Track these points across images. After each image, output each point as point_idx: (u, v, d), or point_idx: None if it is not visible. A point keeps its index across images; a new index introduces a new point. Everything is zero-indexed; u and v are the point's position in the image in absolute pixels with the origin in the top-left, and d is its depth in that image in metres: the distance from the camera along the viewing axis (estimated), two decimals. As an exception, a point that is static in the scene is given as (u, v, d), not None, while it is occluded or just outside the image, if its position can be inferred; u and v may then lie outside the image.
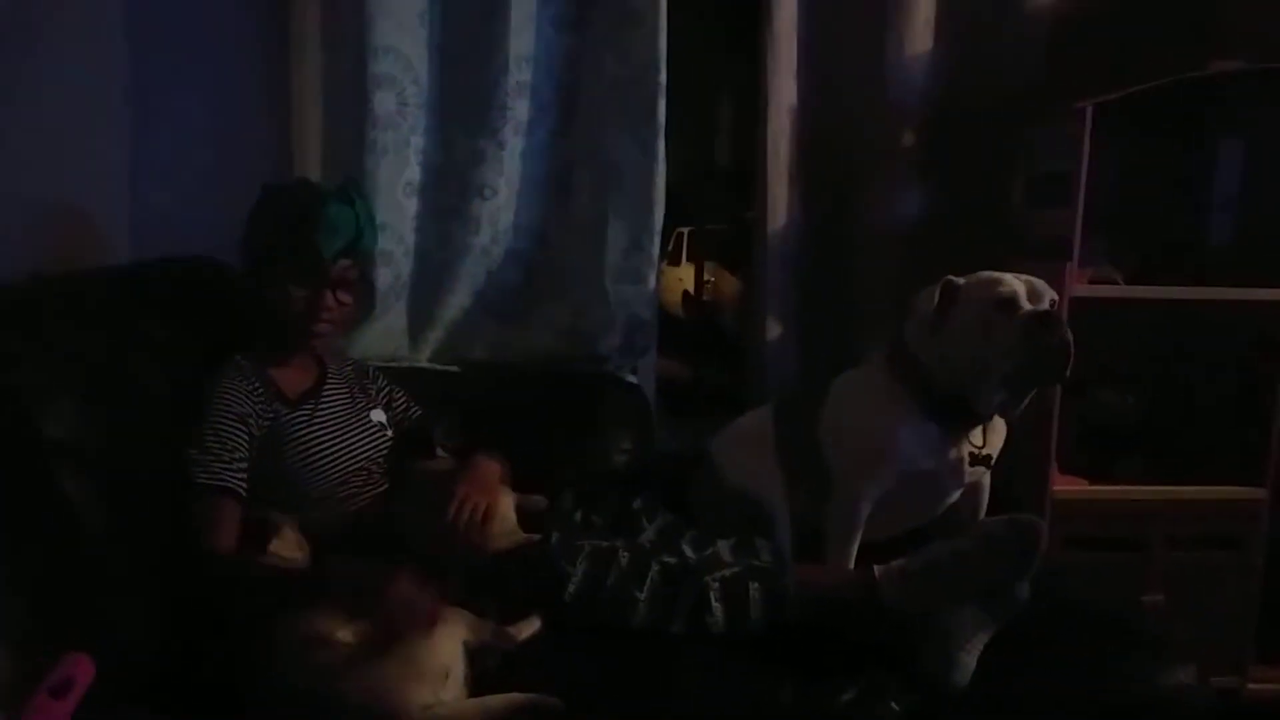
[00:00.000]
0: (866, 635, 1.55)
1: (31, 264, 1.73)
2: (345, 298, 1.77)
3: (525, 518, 1.73)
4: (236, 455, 1.61)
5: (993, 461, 1.77)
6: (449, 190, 2.24)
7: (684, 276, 4.43)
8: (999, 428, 1.80)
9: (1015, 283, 1.66)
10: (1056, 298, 1.66)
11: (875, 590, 1.56)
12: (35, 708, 1.12)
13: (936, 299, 1.69)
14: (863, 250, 2.40)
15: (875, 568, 1.59)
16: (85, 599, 1.38)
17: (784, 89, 2.34)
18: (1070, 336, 1.60)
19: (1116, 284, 2.18)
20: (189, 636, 1.44)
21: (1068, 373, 1.63)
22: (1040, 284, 1.67)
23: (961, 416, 1.72)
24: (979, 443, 1.74)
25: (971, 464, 1.74)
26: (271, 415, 1.68)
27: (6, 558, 1.27)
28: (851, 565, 1.76)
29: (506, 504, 1.70)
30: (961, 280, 1.70)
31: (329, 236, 1.68)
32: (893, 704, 1.45)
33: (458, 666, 1.38)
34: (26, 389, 1.39)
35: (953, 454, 1.73)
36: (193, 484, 1.56)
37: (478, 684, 1.40)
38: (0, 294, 1.50)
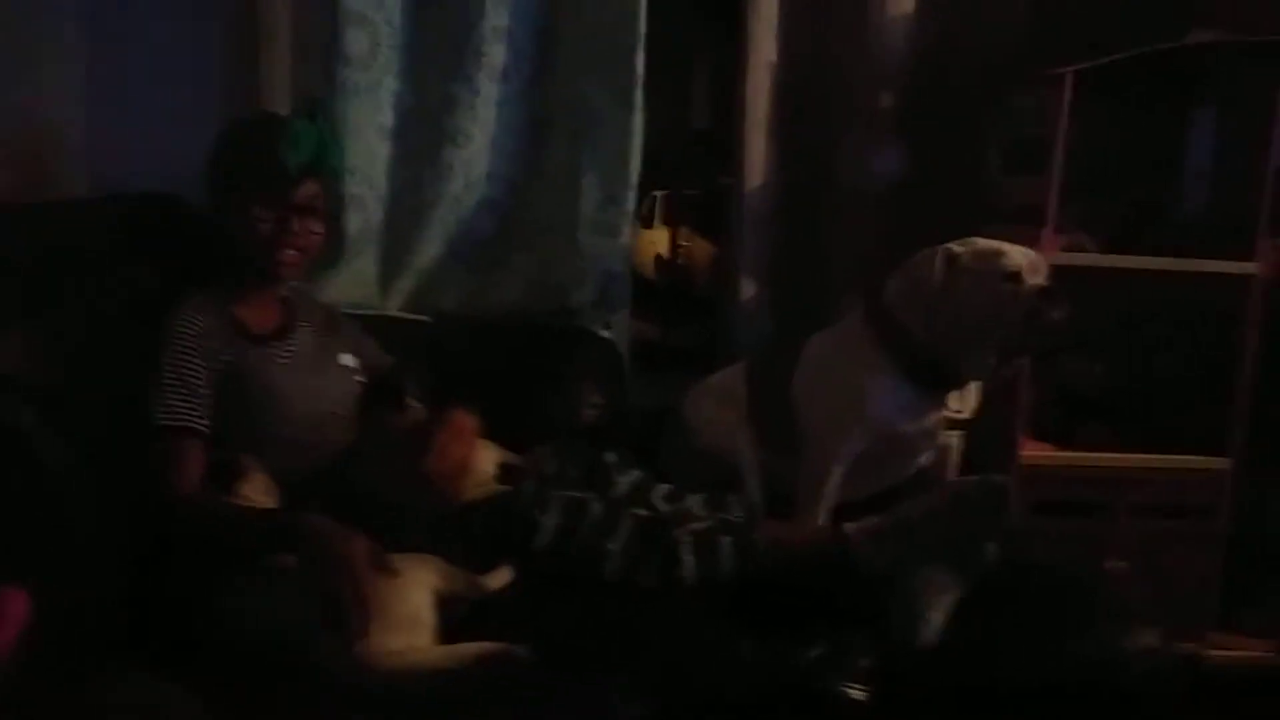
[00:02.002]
0: (835, 592, 1.56)
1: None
2: (313, 225, 1.72)
3: (504, 471, 1.71)
4: (198, 394, 1.57)
5: (969, 426, 1.78)
6: (422, 135, 2.19)
7: (657, 240, 4.40)
8: (973, 392, 1.80)
9: (1017, 255, 1.67)
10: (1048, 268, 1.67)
11: (846, 548, 1.56)
12: None
13: (939, 267, 1.68)
14: (838, 211, 2.38)
15: (846, 526, 1.59)
16: (44, 538, 1.35)
17: (763, 46, 2.31)
18: (1071, 310, 1.63)
19: (1089, 252, 2.18)
20: (150, 581, 1.41)
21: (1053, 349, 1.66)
22: (1035, 255, 1.70)
23: (940, 380, 1.73)
24: (957, 407, 1.75)
25: (948, 427, 1.74)
26: (233, 352, 1.64)
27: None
28: (823, 524, 1.76)
29: (483, 455, 1.68)
30: (960, 248, 1.69)
31: (291, 148, 1.63)
32: (860, 660, 1.45)
33: (427, 614, 1.37)
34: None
35: (929, 417, 1.74)
36: (153, 424, 1.52)
37: (447, 633, 1.38)
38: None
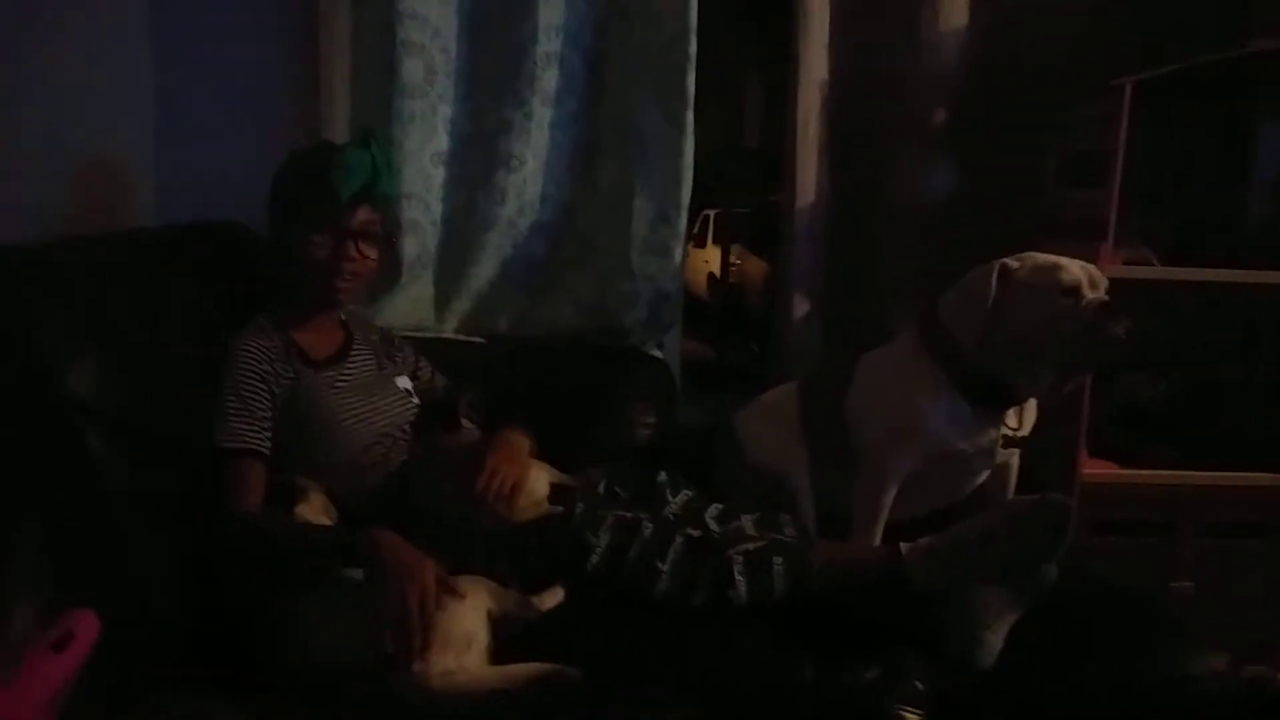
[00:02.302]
0: (891, 614, 1.54)
1: (58, 225, 1.74)
2: (368, 251, 1.75)
3: (556, 492, 1.72)
4: (259, 416, 1.61)
5: (1027, 444, 1.75)
6: (476, 160, 2.24)
7: (709, 259, 4.42)
8: (1031, 409, 1.77)
9: (1075, 269, 1.64)
10: (1108, 283, 1.64)
11: (901, 568, 1.54)
12: (34, 661, 1.10)
13: (994, 283, 1.66)
14: (891, 228, 2.37)
15: (902, 545, 1.57)
16: (108, 561, 1.38)
17: (815, 63, 2.32)
18: (1132, 325, 1.60)
19: (1151, 265, 2.14)
20: (212, 602, 1.45)
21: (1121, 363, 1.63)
22: (1094, 270, 1.66)
23: (996, 398, 1.70)
24: (1014, 424, 1.72)
25: (1005, 445, 1.71)
26: (293, 376, 1.68)
27: (30, 518, 1.27)
28: (877, 543, 1.74)
29: (536, 477, 1.70)
30: (1016, 263, 1.67)
31: (345, 177, 1.67)
32: (916, 683, 1.43)
33: (480, 635, 1.38)
34: (50, 349, 1.40)
35: (986, 435, 1.71)
36: (216, 446, 1.56)
37: (500, 653, 1.39)
38: (26, 254, 1.49)
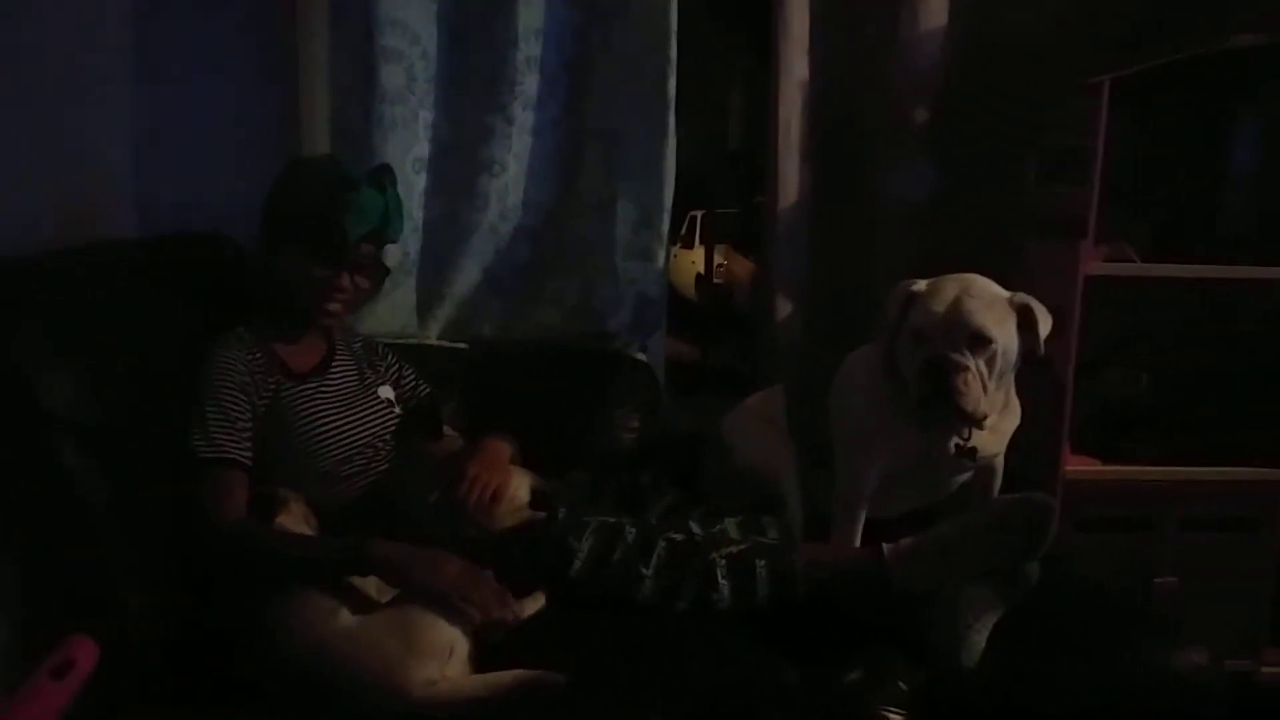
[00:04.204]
0: (874, 614, 1.54)
1: (35, 238, 1.73)
2: (362, 281, 1.74)
3: (539, 497, 1.72)
4: (239, 426, 1.59)
5: (978, 454, 1.69)
6: (457, 166, 2.23)
7: (696, 259, 4.41)
8: (1013, 410, 1.76)
9: (939, 311, 1.59)
10: (989, 336, 1.57)
11: (883, 568, 1.55)
12: (35, 689, 1.11)
13: (898, 302, 1.66)
14: (874, 228, 2.37)
15: (884, 546, 1.58)
16: (87, 575, 1.38)
17: (796, 65, 2.31)
18: (965, 387, 1.56)
19: (1131, 262, 2.15)
20: (193, 614, 1.45)
21: (965, 419, 1.61)
22: (974, 311, 1.57)
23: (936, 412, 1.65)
24: (960, 439, 1.68)
25: (957, 455, 1.69)
26: (274, 387, 1.67)
27: (7, 532, 1.27)
28: (857, 543, 1.74)
29: (517, 483, 1.70)
30: (923, 286, 1.65)
31: (356, 220, 1.66)
32: (900, 683, 1.44)
33: (462, 643, 1.38)
34: (26, 362, 1.39)
35: (944, 444, 1.70)
36: (196, 457, 1.55)
37: (482, 660, 1.39)
38: (2, 267, 1.49)
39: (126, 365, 1.55)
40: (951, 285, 1.62)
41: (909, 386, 1.64)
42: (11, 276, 1.48)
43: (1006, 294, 1.63)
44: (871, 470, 1.74)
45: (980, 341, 1.57)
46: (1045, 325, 1.62)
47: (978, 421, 1.63)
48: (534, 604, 1.50)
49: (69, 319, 1.49)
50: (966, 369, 1.57)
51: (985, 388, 1.59)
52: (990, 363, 1.59)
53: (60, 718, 1.11)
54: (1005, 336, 1.59)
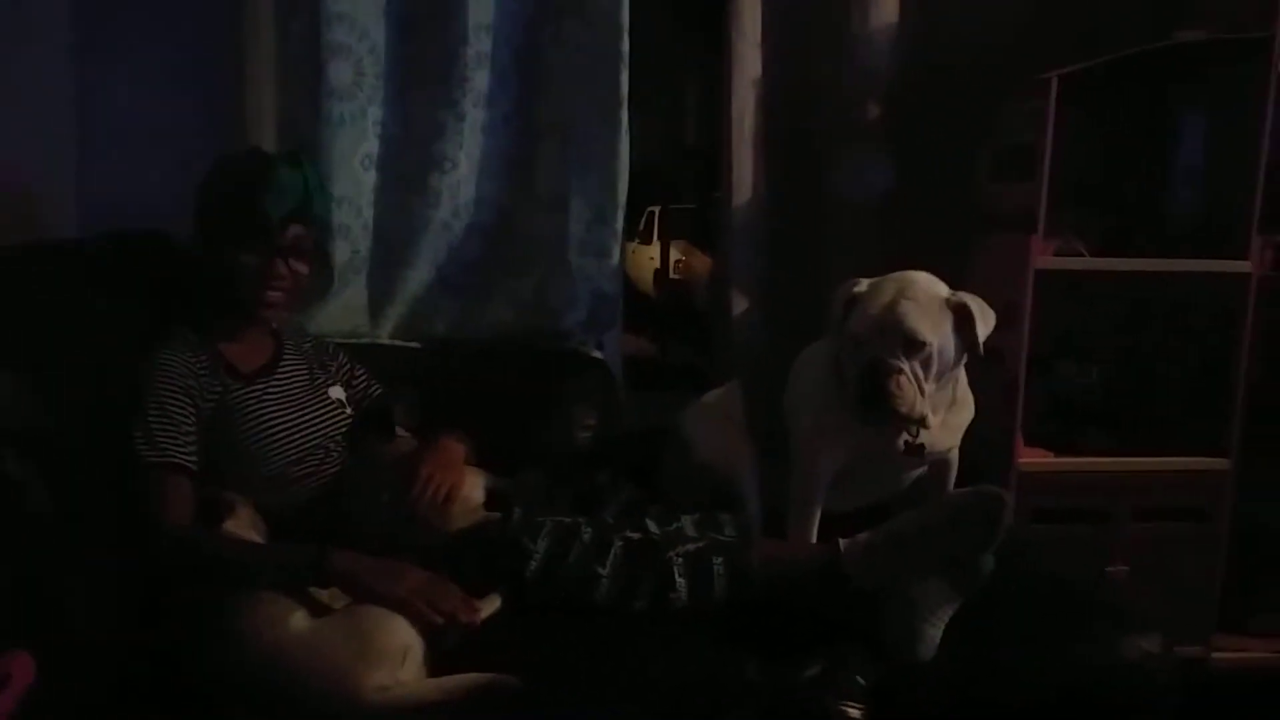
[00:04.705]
0: (831, 609, 1.54)
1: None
2: (299, 266, 1.72)
3: (494, 498, 1.70)
4: (183, 430, 1.56)
5: (928, 450, 1.71)
6: (408, 163, 2.20)
7: (655, 255, 4.41)
8: (965, 404, 1.77)
9: (873, 313, 1.61)
10: (922, 340, 1.58)
11: (839, 563, 1.54)
12: None
13: (841, 300, 1.68)
14: (830, 223, 2.38)
15: (839, 541, 1.58)
16: (29, 585, 1.33)
17: (748, 61, 2.32)
18: (900, 390, 1.58)
19: (1081, 256, 2.17)
20: (140, 621, 1.41)
21: (902, 420, 1.62)
22: (907, 315, 1.58)
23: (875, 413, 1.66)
24: (908, 436, 1.70)
25: (905, 453, 1.70)
26: (220, 389, 1.64)
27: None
28: (813, 537, 1.75)
29: (471, 484, 1.68)
30: (863, 286, 1.67)
31: (276, 198, 1.64)
32: (858, 678, 1.43)
33: (416, 646, 1.36)
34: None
35: (892, 441, 1.71)
36: (139, 462, 1.51)
37: (436, 663, 1.37)
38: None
39: (67, 368, 1.51)
40: (890, 287, 1.63)
41: (849, 387, 1.65)
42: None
43: (945, 293, 1.64)
44: (824, 466, 1.75)
45: (914, 345, 1.59)
46: (984, 324, 1.63)
47: (915, 422, 1.65)
48: (490, 606, 1.48)
49: (7, 321, 1.45)
50: (900, 372, 1.59)
51: (922, 389, 1.61)
52: (926, 364, 1.61)
53: None
54: (940, 338, 1.61)
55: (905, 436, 1.69)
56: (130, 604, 1.41)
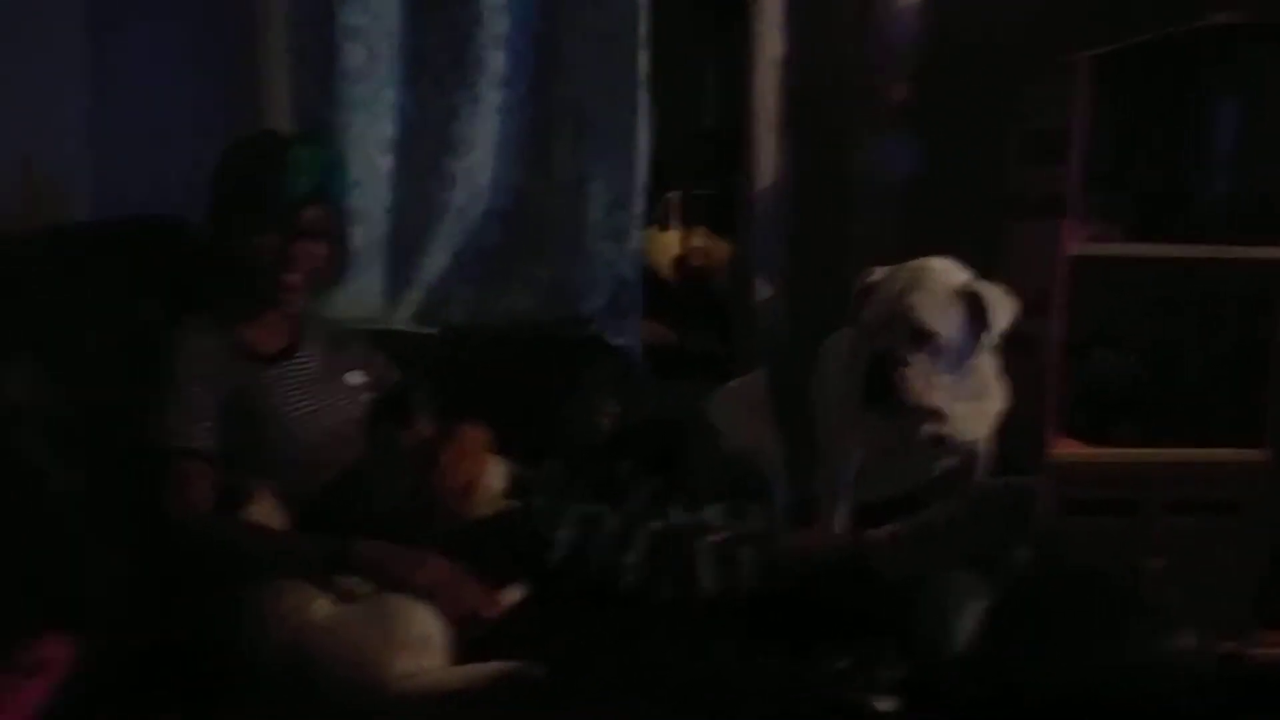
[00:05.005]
0: (859, 601, 1.51)
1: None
2: (317, 248, 1.69)
3: (514, 486, 1.68)
4: (202, 416, 1.55)
5: (957, 440, 1.67)
6: (424, 147, 2.19)
7: (673, 241, 4.36)
8: (996, 393, 1.73)
9: (885, 304, 1.58)
10: (930, 330, 1.55)
11: (866, 555, 1.51)
12: (6, 688, 1.11)
13: (861, 289, 1.64)
14: (852, 208, 2.34)
15: (868, 532, 1.55)
16: (54, 571, 1.33)
17: (769, 42, 2.28)
18: (908, 381, 1.55)
19: (1113, 242, 2.12)
20: (166, 609, 1.40)
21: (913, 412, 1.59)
22: (916, 306, 1.55)
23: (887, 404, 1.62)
24: (934, 428, 1.65)
25: (929, 444, 1.66)
26: (238, 374, 1.62)
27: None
28: (841, 529, 1.72)
29: (491, 472, 1.65)
30: (879, 275, 1.64)
31: (293, 178, 1.62)
32: (888, 671, 1.40)
33: (440, 634, 1.35)
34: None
35: (915, 431, 1.67)
36: (159, 448, 1.50)
37: (460, 652, 1.36)
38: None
39: (87, 353, 1.51)
40: (902, 276, 1.60)
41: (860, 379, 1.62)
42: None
43: (960, 282, 1.60)
44: (849, 456, 1.71)
45: (923, 335, 1.55)
46: (1000, 313, 1.59)
47: (929, 413, 1.61)
48: (512, 596, 1.45)
49: (25, 306, 1.44)
50: (907, 364, 1.55)
51: (932, 380, 1.57)
52: (936, 355, 1.57)
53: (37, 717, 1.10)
54: (951, 328, 1.57)
55: (929, 427, 1.65)
56: (151, 591, 1.39)
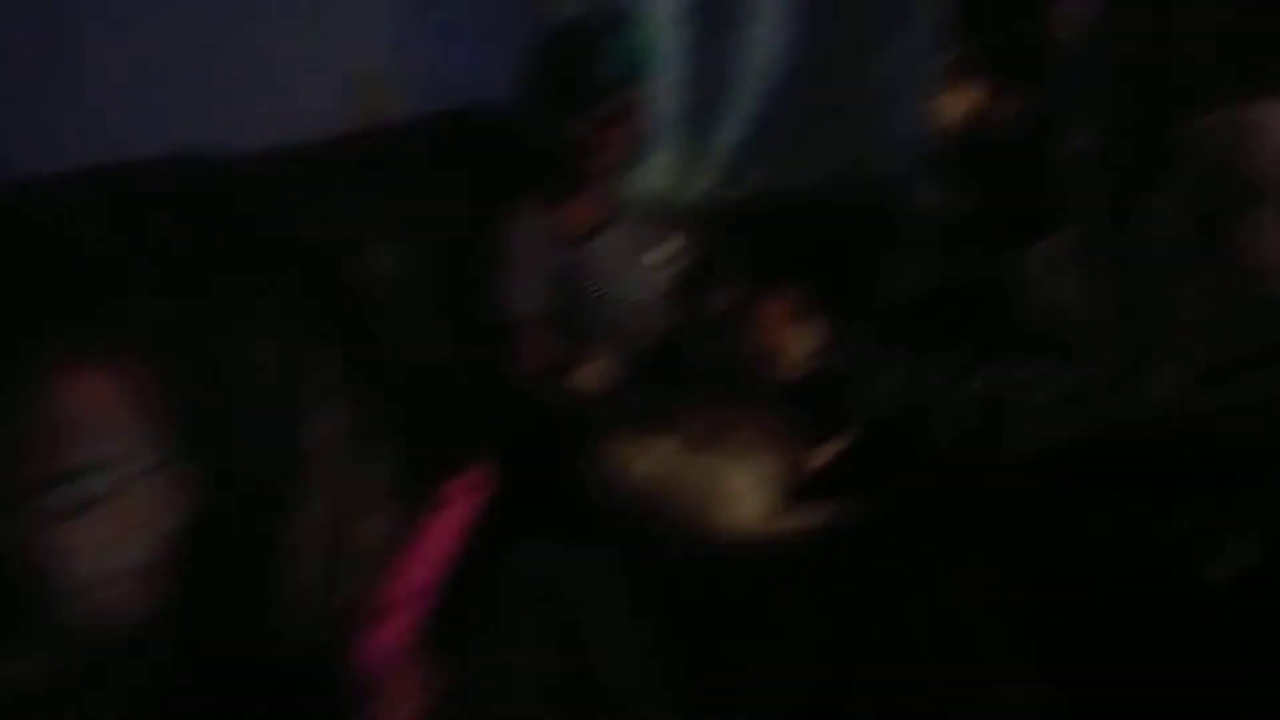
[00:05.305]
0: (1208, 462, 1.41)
1: (336, 123, 1.83)
2: (626, 130, 1.77)
3: (823, 349, 1.69)
4: (532, 289, 1.69)
5: None
6: (715, 17, 2.19)
7: (965, 99, 4.10)
8: None
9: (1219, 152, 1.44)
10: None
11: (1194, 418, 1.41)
12: (434, 518, 1.29)
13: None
14: (1178, 50, 2.10)
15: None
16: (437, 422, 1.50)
17: None
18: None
19: None
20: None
21: None
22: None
23: None
24: None
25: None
26: (561, 251, 1.74)
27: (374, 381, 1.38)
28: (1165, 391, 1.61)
29: (802, 334, 1.68)
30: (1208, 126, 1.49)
31: (605, 67, 1.69)
32: (1235, 540, 1.31)
33: (761, 489, 1.40)
34: (350, 236, 1.50)
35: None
36: (497, 317, 1.66)
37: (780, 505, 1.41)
38: (311, 151, 1.58)
39: (437, 236, 1.65)
40: (1235, 125, 1.46)
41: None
42: (320, 158, 1.59)
43: None
44: (1172, 316, 1.58)
45: (1258, 191, 1.41)
46: None
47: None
48: (829, 451, 1.50)
49: (378, 194, 1.59)
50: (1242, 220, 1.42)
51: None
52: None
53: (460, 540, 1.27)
54: None
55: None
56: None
